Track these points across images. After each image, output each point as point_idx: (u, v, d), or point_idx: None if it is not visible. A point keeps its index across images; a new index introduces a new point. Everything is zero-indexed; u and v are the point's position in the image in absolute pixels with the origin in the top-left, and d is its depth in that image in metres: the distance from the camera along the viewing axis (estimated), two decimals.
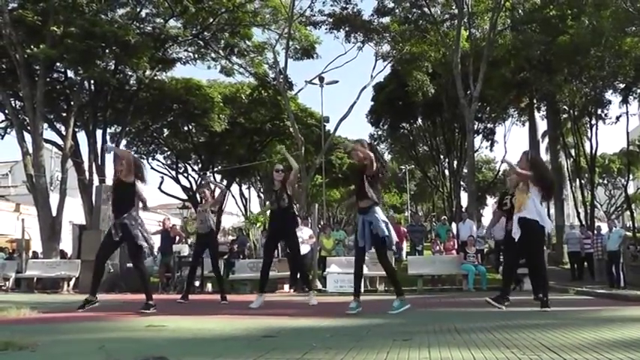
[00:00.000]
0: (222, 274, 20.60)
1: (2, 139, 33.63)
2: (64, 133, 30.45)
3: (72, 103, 30.36)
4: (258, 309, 10.48)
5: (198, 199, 15.23)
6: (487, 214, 58.25)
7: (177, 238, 23.11)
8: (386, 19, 33.91)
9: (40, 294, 20.86)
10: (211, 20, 32.41)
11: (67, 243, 31.05)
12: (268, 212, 12.22)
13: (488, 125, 44.09)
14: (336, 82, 34.11)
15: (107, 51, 28.75)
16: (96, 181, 30.05)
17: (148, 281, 10.27)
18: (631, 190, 40.91)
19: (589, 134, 38.28)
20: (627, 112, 35.59)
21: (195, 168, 44.60)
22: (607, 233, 21.80)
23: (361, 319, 8.19)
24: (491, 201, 65.66)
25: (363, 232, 9.14)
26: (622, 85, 33.73)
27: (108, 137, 33.85)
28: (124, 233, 9.57)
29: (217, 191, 14.98)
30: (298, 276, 18.12)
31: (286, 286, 20.87)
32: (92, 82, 30.89)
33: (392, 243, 9.24)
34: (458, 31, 29.42)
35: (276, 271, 21.24)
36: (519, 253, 10.14)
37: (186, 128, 41.90)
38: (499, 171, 53.46)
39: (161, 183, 42.97)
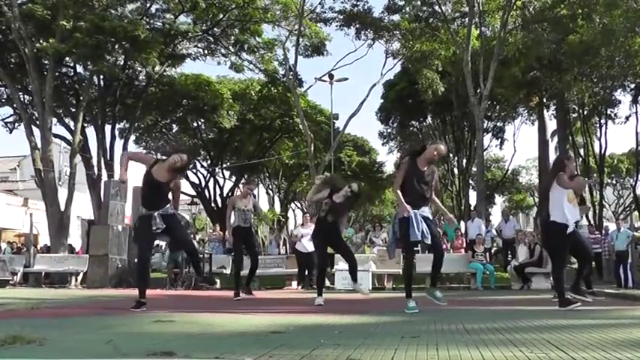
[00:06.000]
0: (232, 270, 20.68)
1: (11, 133, 33.73)
2: (72, 127, 30.42)
3: (81, 97, 30.35)
4: (275, 306, 10.50)
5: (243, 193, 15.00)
6: (495, 213, 58.12)
7: None
8: (396, 17, 33.80)
9: (48, 289, 20.91)
10: (221, 16, 32.38)
11: (75, 238, 31.13)
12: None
13: (498, 124, 44.05)
14: (346, 79, 34.08)
15: (117, 46, 28.70)
16: (104, 177, 30.09)
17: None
18: (639, 191, 40.64)
19: (598, 134, 38.14)
20: (637, 112, 35.36)
21: (205, 164, 44.64)
22: (615, 233, 21.73)
23: (369, 317, 8.20)
24: (499, 200, 65.59)
25: None
26: (632, 85, 33.64)
27: (117, 132, 33.92)
28: None
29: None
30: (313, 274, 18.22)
31: (294, 283, 20.90)
32: (101, 77, 30.92)
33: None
34: (468, 30, 29.37)
35: (284, 267, 21.30)
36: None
37: (195, 124, 41.98)
38: (508, 170, 53.39)
39: None
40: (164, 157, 9.50)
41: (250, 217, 13.84)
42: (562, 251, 9.92)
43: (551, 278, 18.91)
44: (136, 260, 11.88)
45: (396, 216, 9.22)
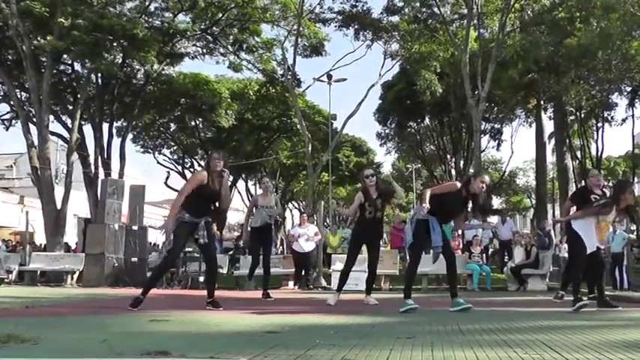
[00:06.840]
0: (228, 270, 20.70)
1: (7, 130, 33.78)
2: (70, 125, 30.39)
3: (78, 95, 30.26)
4: (270, 306, 10.52)
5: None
6: None
7: None
8: (395, 18, 33.79)
9: (44, 287, 20.85)
10: (220, 15, 32.32)
11: (71, 236, 31.09)
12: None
13: (496, 126, 43.98)
14: (344, 79, 34.06)
15: (115, 44, 28.60)
16: (101, 175, 30.05)
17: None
18: (635, 193, 40.71)
19: (595, 136, 38.25)
20: (633, 115, 35.53)
21: (202, 163, 44.58)
22: (611, 235, 21.71)
23: (365, 317, 8.21)
24: (496, 201, 65.57)
25: None
26: (629, 88, 33.78)
27: (114, 131, 33.84)
28: None
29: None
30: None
31: (291, 283, 20.88)
32: (99, 75, 30.83)
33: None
34: (467, 31, 29.33)
35: (281, 267, 21.26)
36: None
37: (193, 123, 41.96)
38: (505, 171, 53.40)
39: (167, 178, 43.17)
40: (209, 170, 9.43)
41: (274, 214, 13.74)
42: (579, 257, 9.94)
43: (547, 280, 19.12)
44: (161, 260, 11.81)
45: (415, 215, 9.21)
